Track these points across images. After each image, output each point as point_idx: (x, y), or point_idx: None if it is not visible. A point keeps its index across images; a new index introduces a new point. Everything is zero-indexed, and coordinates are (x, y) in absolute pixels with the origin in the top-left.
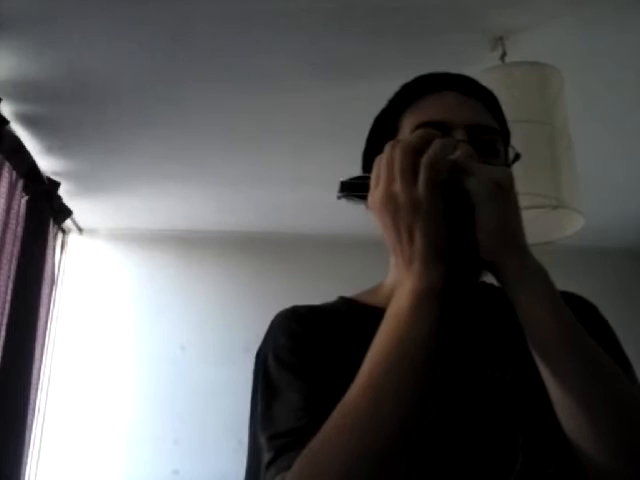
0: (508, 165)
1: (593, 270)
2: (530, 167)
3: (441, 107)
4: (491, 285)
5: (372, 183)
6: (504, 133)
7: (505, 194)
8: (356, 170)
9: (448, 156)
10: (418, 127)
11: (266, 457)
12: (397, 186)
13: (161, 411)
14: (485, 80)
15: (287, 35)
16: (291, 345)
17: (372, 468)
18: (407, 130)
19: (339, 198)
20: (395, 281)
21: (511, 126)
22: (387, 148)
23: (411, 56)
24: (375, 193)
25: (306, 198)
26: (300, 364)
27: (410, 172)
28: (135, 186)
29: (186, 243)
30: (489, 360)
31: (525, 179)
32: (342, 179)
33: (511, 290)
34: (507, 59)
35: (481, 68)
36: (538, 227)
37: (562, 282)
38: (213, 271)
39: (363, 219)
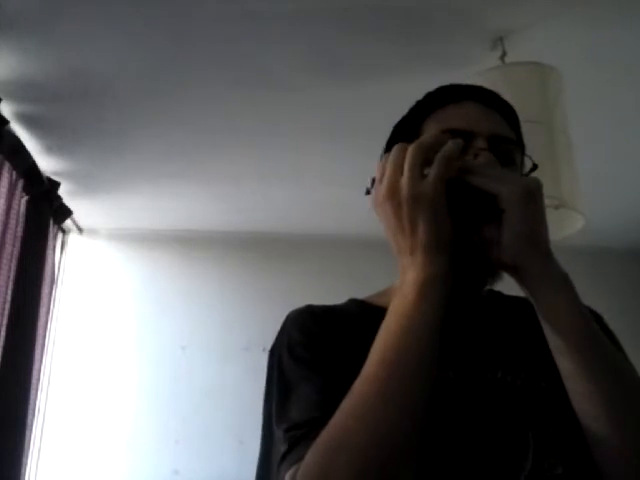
0: (524, 175)
1: (593, 270)
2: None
3: (463, 116)
4: (501, 293)
5: (376, 179)
6: (520, 145)
7: (536, 201)
8: (357, 169)
9: (460, 157)
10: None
11: (281, 449)
12: (404, 180)
13: (162, 411)
14: (485, 80)
15: (288, 35)
16: (305, 341)
17: (385, 458)
18: None
19: (367, 194)
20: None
21: None
22: (395, 147)
23: (411, 56)
24: (379, 187)
25: (308, 197)
26: (314, 359)
27: (419, 167)
28: (135, 186)
29: (187, 243)
30: (500, 363)
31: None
32: (372, 176)
33: (534, 291)
34: (507, 59)
35: (481, 68)
36: None
37: None
38: (214, 271)
39: (367, 218)
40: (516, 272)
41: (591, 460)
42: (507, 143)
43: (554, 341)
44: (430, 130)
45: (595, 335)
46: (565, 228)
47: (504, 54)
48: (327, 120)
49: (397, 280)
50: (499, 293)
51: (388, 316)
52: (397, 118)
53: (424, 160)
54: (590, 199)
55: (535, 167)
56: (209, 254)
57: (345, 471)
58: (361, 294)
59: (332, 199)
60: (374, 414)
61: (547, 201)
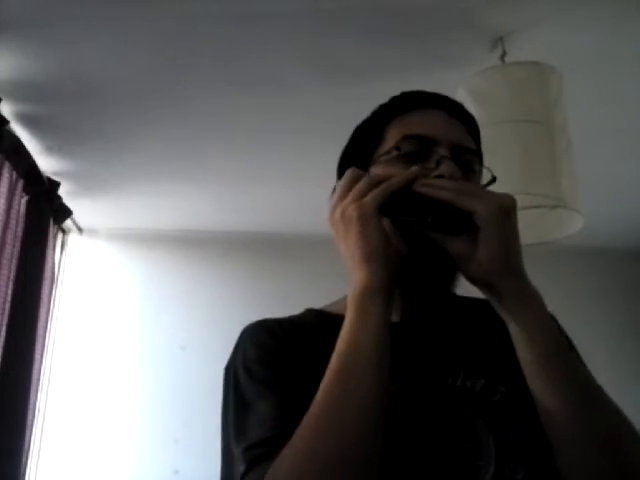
0: (483, 186)
1: (593, 270)
2: (530, 167)
3: (428, 123)
4: (459, 296)
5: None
6: (480, 156)
7: (511, 218)
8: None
9: (421, 164)
10: (404, 139)
11: (240, 469)
12: (342, 205)
13: (161, 411)
14: (485, 80)
15: (288, 35)
16: (261, 357)
17: (328, 473)
18: (392, 141)
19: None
20: None
21: (511, 126)
22: (347, 173)
23: (411, 56)
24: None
25: (307, 197)
26: (271, 375)
27: (362, 196)
28: (135, 186)
29: (186, 243)
30: (460, 368)
31: (525, 179)
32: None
33: (506, 309)
34: (507, 59)
35: (481, 68)
36: (538, 227)
37: (562, 282)
38: (214, 271)
39: None
40: (488, 288)
41: (551, 464)
42: (469, 153)
43: (524, 358)
44: (392, 135)
45: (565, 353)
46: (565, 228)
47: (504, 54)
48: (327, 120)
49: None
50: (457, 296)
51: (340, 334)
52: None
53: (369, 191)
54: (590, 199)
55: (494, 179)
56: (209, 254)
57: None
58: None
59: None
60: (322, 436)
61: (544, 201)
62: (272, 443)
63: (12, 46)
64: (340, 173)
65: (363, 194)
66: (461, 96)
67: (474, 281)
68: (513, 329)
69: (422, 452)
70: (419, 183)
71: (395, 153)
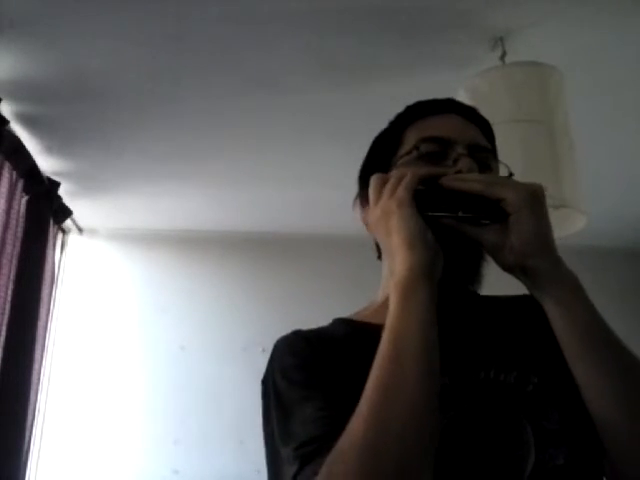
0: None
1: (593, 270)
2: (531, 167)
3: (445, 125)
4: (485, 295)
5: (370, 205)
6: (495, 153)
7: (542, 203)
8: (355, 170)
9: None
10: (422, 141)
11: (292, 469)
12: (379, 203)
13: (161, 411)
14: (485, 80)
15: (288, 35)
16: (298, 363)
17: (397, 464)
18: (410, 143)
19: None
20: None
21: (512, 126)
22: (373, 178)
23: (411, 56)
24: (370, 213)
25: (307, 198)
26: (310, 379)
27: (394, 188)
28: (135, 186)
29: (186, 243)
30: (491, 362)
31: (526, 179)
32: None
33: (547, 292)
34: (507, 59)
35: (481, 68)
36: None
37: None
38: (213, 271)
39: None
40: (525, 274)
41: (591, 448)
42: (485, 151)
43: (571, 340)
44: (411, 138)
45: (611, 332)
46: (567, 227)
47: (504, 54)
48: (326, 122)
49: (379, 294)
50: (480, 295)
51: (386, 321)
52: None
53: (399, 184)
54: (590, 199)
55: (511, 175)
56: (208, 254)
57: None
58: (358, 294)
59: (330, 200)
60: (379, 424)
61: (548, 201)
62: (323, 440)
63: (12, 46)
64: (361, 183)
65: (395, 188)
66: (461, 97)
67: (509, 268)
68: (550, 307)
69: (469, 445)
70: (447, 178)
71: (415, 153)
